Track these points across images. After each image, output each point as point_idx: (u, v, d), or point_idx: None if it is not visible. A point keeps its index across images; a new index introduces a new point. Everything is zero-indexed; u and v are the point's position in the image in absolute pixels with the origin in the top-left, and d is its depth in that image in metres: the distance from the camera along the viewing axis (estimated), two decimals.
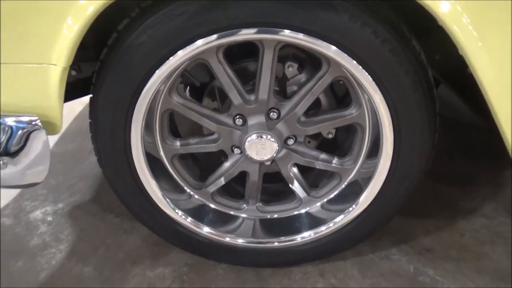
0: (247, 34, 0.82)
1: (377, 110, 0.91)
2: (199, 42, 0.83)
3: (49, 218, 1.35)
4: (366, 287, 1.12)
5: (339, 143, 1.18)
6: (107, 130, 0.95)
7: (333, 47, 0.82)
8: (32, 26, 0.80)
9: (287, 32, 0.81)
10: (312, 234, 1.10)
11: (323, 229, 1.09)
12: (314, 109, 1.06)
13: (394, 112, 0.89)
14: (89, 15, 0.76)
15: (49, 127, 0.89)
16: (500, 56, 0.77)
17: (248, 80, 1.04)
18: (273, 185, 1.24)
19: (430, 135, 0.94)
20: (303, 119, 1.00)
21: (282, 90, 1.04)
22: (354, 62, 0.83)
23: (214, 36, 0.82)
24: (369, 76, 0.85)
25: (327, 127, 1.02)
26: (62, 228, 1.30)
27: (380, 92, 0.87)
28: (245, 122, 1.00)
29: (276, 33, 0.81)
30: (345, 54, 0.83)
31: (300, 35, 0.81)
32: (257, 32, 0.82)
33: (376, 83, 0.85)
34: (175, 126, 1.17)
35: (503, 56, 0.77)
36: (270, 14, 0.79)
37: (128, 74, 0.87)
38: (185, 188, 1.11)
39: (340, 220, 1.08)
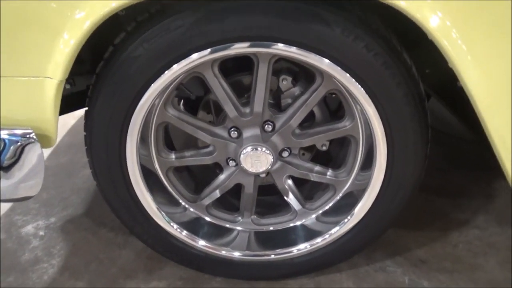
0: (240, 48, 0.84)
1: (370, 122, 0.92)
2: (194, 55, 0.84)
3: (41, 233, 1.33)
4: None
5: (333, 155, 1.19)
6: (102, 143, 0.95)
7: (326, 60, 0.84)
8: (28, 39, 0.80)
9: (280, 45, 0.82)
10: (308, 246, 1.10)
11: (319, 241, 1.09)
12: (308, 121, 1.08)
13: (387, 124, 0.90)
14: (85, 29, 0.77)
15: (44, 140, 0.89)
16: (489, 69, 0.79)
17: (243, 93, 1.05)
18: (268, 197, 1.24)
19: (423, 147, 0.95)
20: (297, 131, 1.01)
21: (276, 103, 1.05)
22: (347, 75, 0.85)
23: (209, 50, 0.83)
24: (362, 89, 0.86)
25: (321, 139, 1.03)
26: (54, 243, 1.29)
27: (373, 104, 0.88)
28: (240, 134, 1.01)
29: (269, 46, 0.83)
30: (338, 67, 0.85)
31: (293, 49, 0.83)
32: (250, 46, 0.83)
33: (369, 96, 0.87)
34: (170, 138, 1.17)
35: (492, 69, 0.79)
36: (263, 28, 0.80)
37: (124, 87, 0.87)
38: (180, 201, 1.11)
39: (335, 232, 1.08)
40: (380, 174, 0.97)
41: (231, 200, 1.21)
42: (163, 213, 1.04)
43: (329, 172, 1.08)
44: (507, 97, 0.82)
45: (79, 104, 1.17)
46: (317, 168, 1.08)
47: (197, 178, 1.21)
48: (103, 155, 0.97)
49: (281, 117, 0.99)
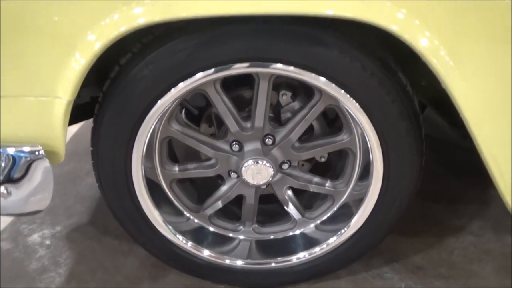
0: (241, 67, 0.87)
1: (367, 136, 0.96)
2: (199, 75, 0.87)
3: (47, 242, 1.36)
4: None
5: (332, 165, 1.22)
6: (108, 159, 0.98)
7: (322, 78, 0.87)
8: (39, 60, 0.83)
9: (279, 65, 0.86)
10: (307, 255, 1.13)
11: (317, 250, 1.13)
12: (308, 134, 1.11)
13: (383, 139, 0.94)
14: (96, 50, 0.80)
15: (52, 156, 0.92)
16: (477, 85, 0.82)
17: (244, 107, 1.08)
18: (269, 205, 1.27)
19: (418, 159, 0.99)
20: (297, 145, 1.05)
21: (276, 117, 1.09)
22: (343, 91, 0.88)
23: (212, 70, 0.86)
24: (358, 105, 0.90)
25: (319, 152, 1.07)
26: (60, 252, 1.32)
27: (369, 120, 0.92)
28: (241, 148, 1.04)
29: (268, 66, 0.86)
30: (333, 85, 0.88)
31: (291, 68, 0.86)
32: (250, 66, 0.87)
33: (365, 112, 0.90)
34: (173, 151, 1.21)
35: (480, 85, 0.83)
36: (263, 50, 0.84)
37: (130, 105, 0.90)
38: (184, 211, 1.15)
39: (334, 241, 1.11)
40: (377, 186, 1.01)
41: (232, 209, 1.24)
42: (169, 226, 1.08)
43: (328, 183, 1.12)
44: (497, 112, 0.86)
45: (83, 116, 1.20)
46: (316, 179, 1.11)
47: (199, 188, 1.24)
48: (109, 170, 1.00)
49: (281, 131, 1.03)
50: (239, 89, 1.08)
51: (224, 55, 0.84)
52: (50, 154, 0.92)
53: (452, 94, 0.83)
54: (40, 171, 0.93)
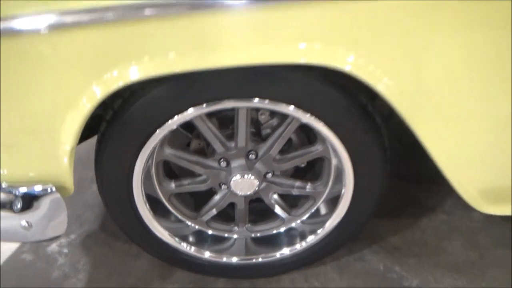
0: (225, 103, 0.99)
1: (336, 149, 1.09)
2: (190, 110, 1.00)
3: (65, 250, 1.52)
4: (343, 287, 1.32)
5: (311, 167, 1.36)
6: (111, 184, 1.12)
7: (291, 107, 0.99)
8: (44, 113, 0.93)
9: (256, 100, 0.98)
10: (298, 247, 1.29)
11: (306, 241, 1.28)
12: (287, 145, 1.24)
13: (351, 151, 1.07)
14: (97, 101, 0.91)
15: (62, 190, 1.06)
16: (432, 116, 0.95)
17: (228, 124, 1.21)
18: (260, 204, 1.42)
19: (383, 165, 1.12)
20: (278, 157, 1.18)
21: (258, 132, 1.21)
22: (308, 115, 1.01)
23: (199, 107, 0.98)
24: (324, 125, 1.02)
25: (298, 162, 1.20)
26: (77, 258, 1.48)
27: (336, 137, 1.04)
28: (228, 164, 1.17)
29: (247, 101, 0.98)
30: (300, 111, 1.00)
31: (266, 101, 0.98)
32: (233, 102, 0.99)
33: (332, 130, 1.03)
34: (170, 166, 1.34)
35: (435, 116, 0.95)
36: (245, 90, 0.96)
37: (126, 141, 1.03)
38: (183, 219, 1.29)
39: (320, 232, 1.27)
40: (349, 189, 1.15)
41: (227, 211, 1.39)
42: (176, 238, 1.24)
43: (308, 186, 1.26)
44: (457, 143, 0.99)
45: (84, 137, 1.32)
46: (298, 183, 1.25)
47: (195, 197, 1.39)
48: (113, 192, 1.14)
49: (262, 146, 1.16)
50: (221, 111, 1.20)
51: (212, 94, 0.97)
52: (60, 188, 1.05)
53: (414, 132, 0.96)
54: (53, 203, 1.06)
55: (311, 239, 1.27)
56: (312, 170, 1.37)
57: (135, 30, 0.84)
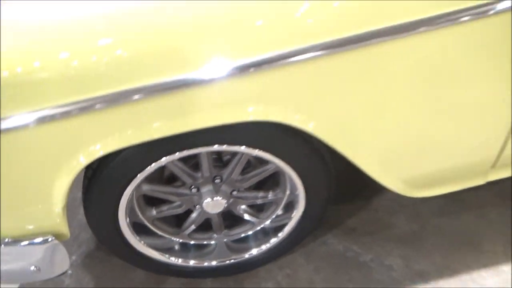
0: (194, 151, 1.18)
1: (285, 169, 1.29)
2: (163, 158, 1.18)
3: (69, 271, 1.72)
4: (310, 270, 1.58)
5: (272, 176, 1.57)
6: (100, 221, 1.31)
7: (243, 147, 1.18)
8: (38, 183, 1.10)
9: (216, 146, 1.17)
10: (268, 245, 1.52)
11: (275, 239, 1.51)
12: (246, 164, 1.43)
13: (300, 173, 1.28)
14: (82, 168, 1.07)
15: (60, 236, 1.24)
16: (354, 141, 1.16)
17: (192, 159, 1.38)
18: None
19: (330, 183, 1.34)
20: (239, 178, 1.38)
21: (219, 158, 1.40)
22: (256, 150, 1.21)
23: (172, 155, 1.17)
24: (273, 156, 1.22)
25: (258, 178, 1.40)
26: (81, 278, 1.69)
27: (284, 162, 1.24)
28: (198, 189, 1.37)
29: (210, 147, 1.17)
30: (251, 148, 1.19)
31: (224, 146, 1.17)
32: (200, 149, 1.18)
33: (283, 161, 1.23)
34: None
35: (356, 140, 1.16)
36: (209, 140, 1.15)
37: (109, 190, 1.21)
38: (167, 236, 1.50)
39: (286, 228, 1.50)
40: (302, 200, 1.37)
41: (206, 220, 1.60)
42: (165, 255, 1.45)
43: (270, 194, 1.47)
44: (380, 153, 1.22)
45: None
46: (261, 194, 1.46)
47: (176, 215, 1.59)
48: (103, 228, 1.33)
49: (225, 171, 1.35)
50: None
51: (184, 145, 1.16)
52: (58, 235, 1.24)
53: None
54: (53, 248, 1.25)
55: (280, 235, 1.49)
56: (273, 178, 1.58)
57: (116, 112, 1.00)
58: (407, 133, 1.20)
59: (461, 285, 1.45)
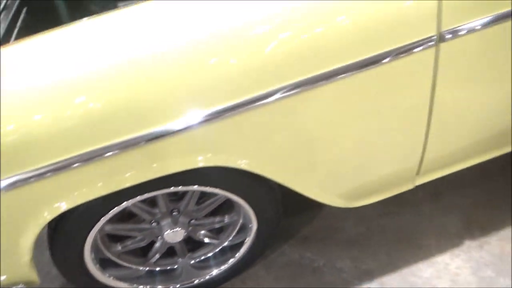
0: (151, 194, 1.30)
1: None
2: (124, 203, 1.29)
3: None
4: (271, 280, 1.73)
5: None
6: (67, 264, 1.41)
7: (196, 186, 1.32)
8: (7, 236, 1.19)
9: (172, 188, 1.29)
10: (232, 261, 1.66)
11: (236, 256, 1.65)
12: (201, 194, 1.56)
13: (248, 201, 1.42)
14: (48, 220, 1.16)
15: (30, 283, 1.33)
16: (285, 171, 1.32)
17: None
18: None
19: (278, 208, 1.50)
20: (195, 208, 1.50)
21: (175, 192, 1.52)
22: (208, 187, 1.35)
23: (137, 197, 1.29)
24: (226, 192, 1.36)
25: (212, 207, 1.53)
26: None
27: (235, 196, 1.38)
28: (159, 223, 1.48)
29: (166, 189, 1.29)
30: (201, 187, 1.33)
31: (180, 187, 1.30)
32: (156, 192, 1.30)
33: (232, 194, 1.37)
34: None
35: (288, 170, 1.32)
36: (166, 184, 1.28)
37: (73, 239, 1.32)
38: (134, 267, 1.61)
39: (246, 244, 1.64)
40: (254, 221, 1.51)
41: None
42: (134, 285, 1.56)
43: (226, 217, 1.60)
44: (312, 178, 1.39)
45: None
46: (218, 218, 1.60)
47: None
48: (71, 271, 1.43)
49: (181, 204, 1.47)
50: None
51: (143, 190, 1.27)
52: (27, 283, 1.33)
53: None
54: None
55: (237, 255, 1.63)
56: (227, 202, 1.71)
57: (87, 169, 1.10)
58: (337, 158, 1.37)
59: (402, 280, 1.64)
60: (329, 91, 1.17)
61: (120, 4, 1.61)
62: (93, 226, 1.32)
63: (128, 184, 1.16)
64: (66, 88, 1.06)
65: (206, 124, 1.13)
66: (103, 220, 1.32)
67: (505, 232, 1.72)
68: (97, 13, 1.22)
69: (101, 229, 1.41)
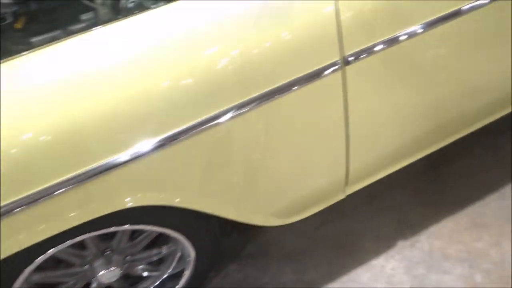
0: (81, 237, 1.26)
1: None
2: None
3: None
4: None
5: None
6: None
7: (127, 225, 1.30)
8: None
9: (102, 230, 1.27)
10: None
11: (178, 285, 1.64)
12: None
13: (182, 233, 1.42)
14: None
15: None
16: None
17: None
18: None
19: (216, 241, 1.50)
20: (128, 244, 1.47)
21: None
22: (150, 226, 1.34)
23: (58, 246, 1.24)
24: (157, 227, 1.34)
25: (147, 241, 1.50)
26: None
27: (168, 230, 1.38)
28: (92, 264, 1.44)
29: (96, 231, 1.27)
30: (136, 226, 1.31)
31: (112, 228, 1.29)
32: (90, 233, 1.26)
33: (164, 228, 1.36)
34: None
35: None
36: (95, 227, 1.24)
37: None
38: None
39: (186, 274, 1.63)
40: (192, 252, 1.51)
41: None
42: None
43: (164, 249, 1.58)
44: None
45: None
46: (155, 251, 1.57)
47: None
48: None
49: (113, 243, 1.44)
50: None
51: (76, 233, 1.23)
52: None
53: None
54: None
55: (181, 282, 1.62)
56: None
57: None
58: (269, 180, 1.40)
59: (342, 286, 1.70)
60: (253, 118, 1.20)
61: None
62: (18, 276, 1.26)
63: (43, 237, 1.12)
64: None
65: (131, 163, 1.12)
66: (29, 269, 1.26)
67: (434, 229, 1.82)
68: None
69: (28, 279, 1.35)
